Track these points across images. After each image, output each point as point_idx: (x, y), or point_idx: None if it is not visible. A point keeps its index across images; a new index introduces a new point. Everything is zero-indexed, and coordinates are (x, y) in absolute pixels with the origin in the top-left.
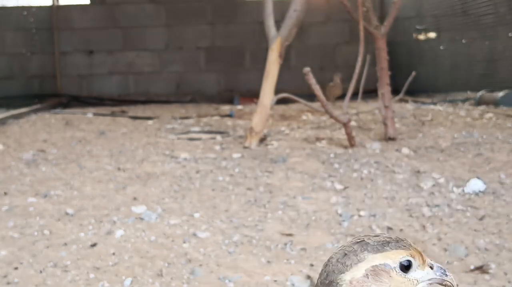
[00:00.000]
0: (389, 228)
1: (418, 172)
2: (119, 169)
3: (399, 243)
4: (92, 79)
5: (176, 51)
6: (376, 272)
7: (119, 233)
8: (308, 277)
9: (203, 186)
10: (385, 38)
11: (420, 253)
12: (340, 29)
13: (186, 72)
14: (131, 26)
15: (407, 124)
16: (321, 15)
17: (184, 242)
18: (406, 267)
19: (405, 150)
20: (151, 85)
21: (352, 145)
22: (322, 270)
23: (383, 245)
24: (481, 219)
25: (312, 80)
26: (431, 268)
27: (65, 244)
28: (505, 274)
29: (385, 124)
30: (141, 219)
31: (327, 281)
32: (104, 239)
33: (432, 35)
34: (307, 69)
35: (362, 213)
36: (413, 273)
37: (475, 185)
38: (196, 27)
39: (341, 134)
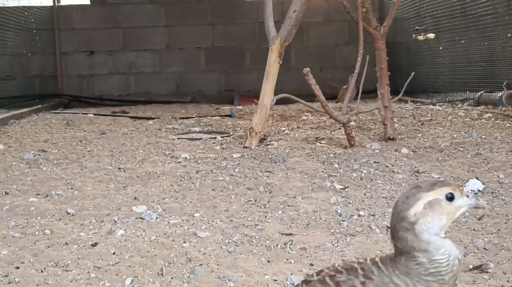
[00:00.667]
0: (389, 228)
1: (418, 171)
2: (119, 168)
3: (443, 182)
4: (93, 79)
5: (177, 51)
6: (431, 204)
7: (119, 232)
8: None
9: (203, 185)
10: (384, 38)
11: (458, 188)
12: (340, 29)
13: (187, 73)
14: (132, 27)
15: (406, 125)
16: (320, 16)
17: (185, 242)
18: (450, 198)
19: (404, 150)
20: (151, 85)
21: (351, 145)
22: (393, 212)
23: (432, 185)
24: (479, 218)
25: (312, 81)
26: (468, 197)
27: (66, 243)
28: (504, 273)
29: (384, 124)
30: (142, 218)
31: (399, 218)
32: (105, 238)
33: (431, 35)
34: (307, 70)
35: (361, 212)
36: (456, 202)
37: (474, 184)
38: (196, 28)
39: (340, 134)
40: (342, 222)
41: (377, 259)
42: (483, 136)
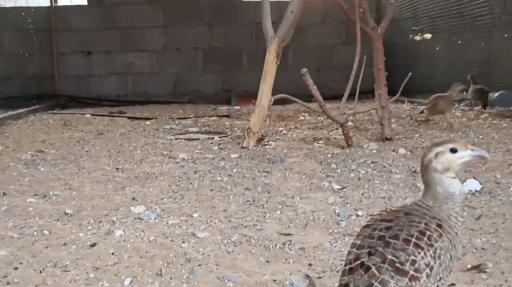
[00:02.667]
0: None
1: (415, 171)
2: (117, 169)
3: (449, 140)
4: (91, 80)
5: (174, 52)
6: (438, 154)
7: (118, 233)
8: (307, 276)
9: (201, 186)
10: (381, 39)
11: (464, 144)
12: (337, 30)
13: (184, 73)
14: (129, 27)
15: (403, 125)
16: (318, 16)
17: (183, 242)
18: (453, 151)
19: (401, 150)
20: (149, 85)
21: (349, 145)
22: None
23: (442, 142)
24: (477, 218)
25: (309, 81)
26: (472, 150)
27: (65, 244)
28: (502, 273)
29: (382, 124)
30: (140, 219)
31: (421, 163)
32: (104, 239)
33: (428, 36)
34: (304, 70)
35: (359, 212)
36: (458, 154)
37: (472, 184)
38: (193, 28)
39: (338, 134)
40: (340, 222)
41: (417, 198)
42: (480, 137)
